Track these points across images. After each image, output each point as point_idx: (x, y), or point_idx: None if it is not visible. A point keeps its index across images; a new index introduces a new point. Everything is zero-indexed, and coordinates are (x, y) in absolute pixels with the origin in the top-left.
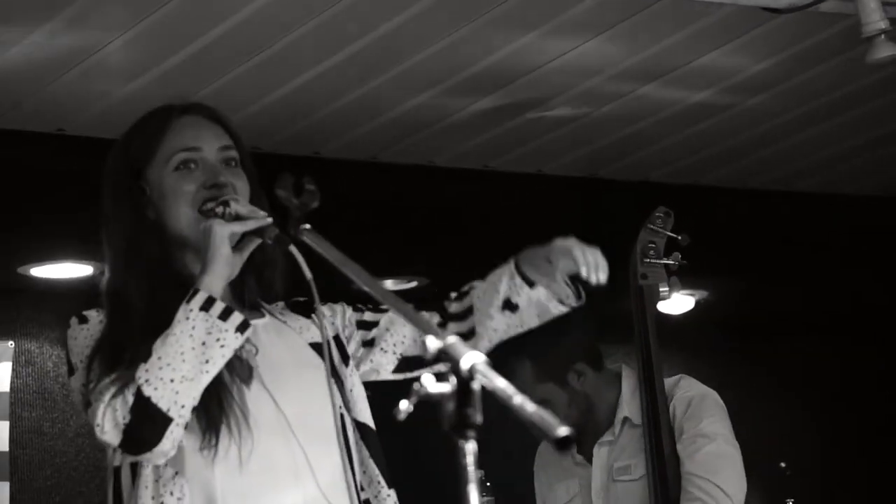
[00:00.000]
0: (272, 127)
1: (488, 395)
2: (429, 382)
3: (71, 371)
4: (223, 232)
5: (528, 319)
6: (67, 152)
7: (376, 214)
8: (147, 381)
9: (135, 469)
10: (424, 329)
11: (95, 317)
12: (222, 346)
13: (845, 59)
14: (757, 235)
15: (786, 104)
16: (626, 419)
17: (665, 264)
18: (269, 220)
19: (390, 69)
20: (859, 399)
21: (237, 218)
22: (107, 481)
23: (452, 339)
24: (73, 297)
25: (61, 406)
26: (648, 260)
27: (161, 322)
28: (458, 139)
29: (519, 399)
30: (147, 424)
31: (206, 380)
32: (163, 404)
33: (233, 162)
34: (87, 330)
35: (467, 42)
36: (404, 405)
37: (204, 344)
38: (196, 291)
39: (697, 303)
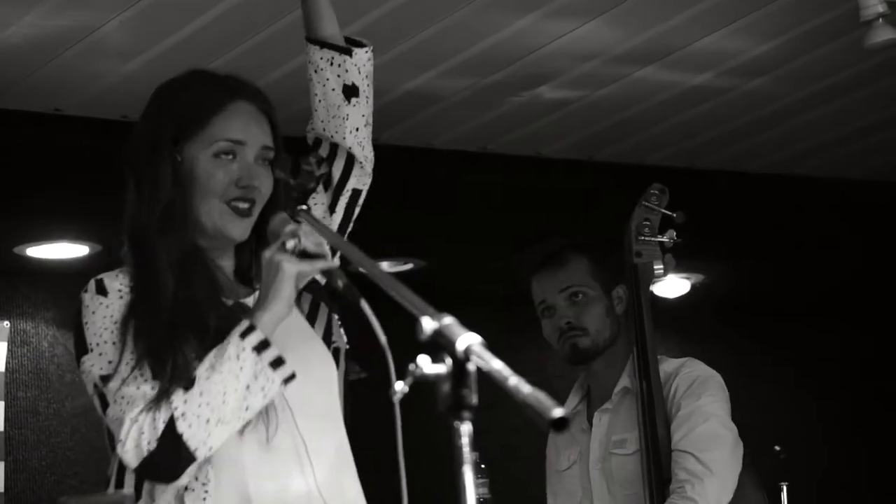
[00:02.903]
0: None
1: (484, 376)
2: (424, 363)
3: (84, 349)
4: (291, 271)
5: (371, 97)
6: (64, 132)
7: (373, 196)
8: (183, 415)
9: None
10: (419, 311)
11: (115, 289)
12: (265, 396)
13: (844, 43)
14: (753, 219)
15: (785, 88)
16: (626, 389)
17: (660, 242)
18: (337, 262)
19: (388, 51)
20: (855, 382)
21: (304, 254)
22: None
23: (448, 320)
24: (69, 277)
25: (56, 386)
26: (643, 237)
27: (188, 304)
28: (455, 121)
29: (514, 380)
30: (172, 459)
31: (240, 425)
32: (192, 443)
33: (266, 163)
34: (107, 307)
35: (465, 24)
36: (399, 386)
37: (248, 388)
38: (252, 328)
39: (693, 286)
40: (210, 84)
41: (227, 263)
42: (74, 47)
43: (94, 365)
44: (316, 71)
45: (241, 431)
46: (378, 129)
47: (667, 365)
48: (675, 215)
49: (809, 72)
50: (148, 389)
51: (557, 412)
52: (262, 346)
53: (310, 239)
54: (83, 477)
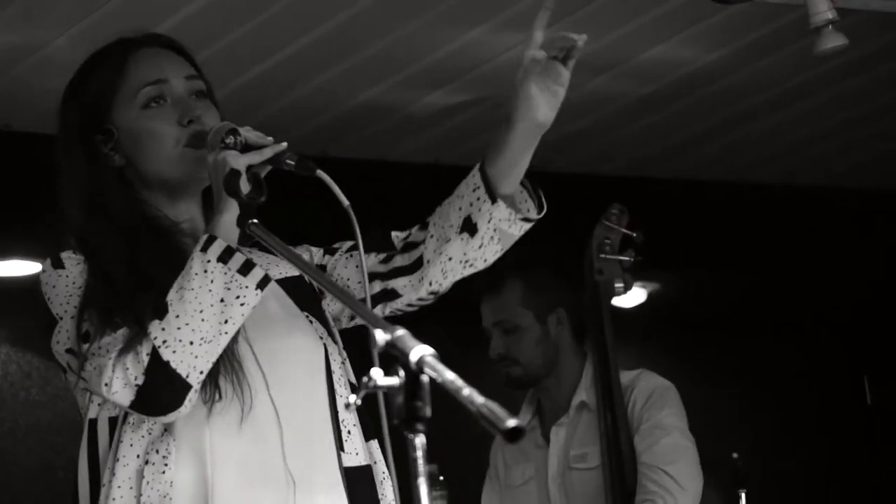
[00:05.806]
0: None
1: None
2: (377, 376)
3: (52, 323)
4: (240, 164)
5: (486, 246)
6: (14, 148)
7: (322, 210)
8: (165, 342)
9: (114, 424)
10: (372, 322)
11: (72, 259)
12: (242, 305)
13: (795, 50)
14: (709, 227)
15: (736, 95)
16: (582, 403)
17: (620, 260)
18: (284, 144)
19: (340, 63)
20: (812, 390)
21: (248, 146)
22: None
23: (401, 332)
24: (21, 294)
25: (10, 405)
26: (604, 255)
27: (148, 276)
28: (409, 133)
29: (467, 391)
30: (166, 389)
31: (225, 341)
32: (182, 370)
33: (201, 93)
34: (66, 277)
35: (417, 36)
36: (352, 398)
37: (223, 301)
38: (213, 239)
39: (650, 295)
40: (109, 46)
41: (200, 227)
42: (24, 63)
43: (69, 331)
44: (459, 191)
45: (210, 410)
46: (328, 142)
47: (622, 377)
48: (634, 235)
49: (761, 79)
50: (124, 332)
51: (511, 422)
52: (226, 255)
53: (248, 130)
54: (38, 496)
